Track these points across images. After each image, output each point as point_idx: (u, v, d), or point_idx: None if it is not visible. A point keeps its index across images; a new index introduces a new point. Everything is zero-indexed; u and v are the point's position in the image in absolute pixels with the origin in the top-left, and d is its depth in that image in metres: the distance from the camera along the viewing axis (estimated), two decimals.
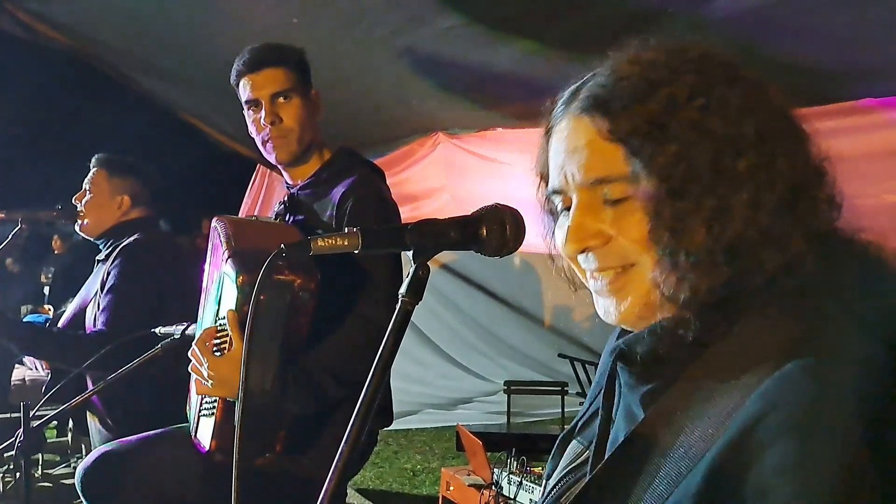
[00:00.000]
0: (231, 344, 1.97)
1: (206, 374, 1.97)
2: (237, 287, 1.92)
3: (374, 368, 0.95)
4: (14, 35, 3.79)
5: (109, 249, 3.02)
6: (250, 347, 1.09)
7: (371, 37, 3.12)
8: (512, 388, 5.82)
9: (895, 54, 2.40)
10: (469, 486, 4.16)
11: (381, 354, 0.96)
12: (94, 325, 2.85)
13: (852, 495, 0.71)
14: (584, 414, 1.10)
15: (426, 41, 3.08)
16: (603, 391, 1.01)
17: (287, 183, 2.42)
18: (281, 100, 2.23)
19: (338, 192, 2.21)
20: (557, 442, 1.12)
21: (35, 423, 2.11)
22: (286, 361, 1.95)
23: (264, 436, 2.02)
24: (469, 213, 1.02)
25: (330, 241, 0.95)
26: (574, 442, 1.09)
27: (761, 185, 0.84)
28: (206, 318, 2.25)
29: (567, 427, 1.13)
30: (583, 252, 0.93)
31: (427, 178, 4.50)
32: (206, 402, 2.12)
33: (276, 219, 2.39)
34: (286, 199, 2.38)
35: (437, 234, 0.99)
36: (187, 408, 2.37)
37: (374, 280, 2.13)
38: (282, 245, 0.96)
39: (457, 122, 4.17)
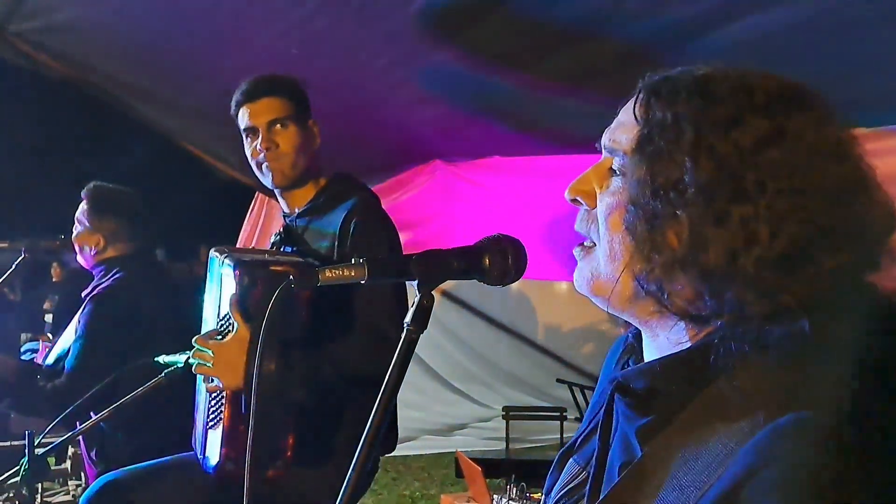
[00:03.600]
0: (234, 327, 2.01)
1: (211, 360, 2.00)
2: (235, 279, 2.04)
3: (381, 396, 0.98)
4: (15, 65, 3.83)
5: (89, 289, 3.04)
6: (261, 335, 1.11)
7: (371, 67, 3.17)
8: (510, 413, 5.82)
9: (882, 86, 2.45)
10: None
11: (386, 382, 0.98)
12: None
13: None
14: (584, 430, 1.12)
15: (426, 71, 3.13)
16: (601, 418, 1.03)
17: (284, 212, 2.47)
18: (278, 127, 2.31)
19: (338, 215, 2.27)
20: (558, 456, 1.14)
21: (40, 451, 2.12)
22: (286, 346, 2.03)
23: (274, 440, 2.04)
24: (472, 244, 1.05)
25: (337, 272, 0.98)
26: (572, 460, 1.10)
27: (753, 236, 0.81)
28: (208, 323, 2.31)
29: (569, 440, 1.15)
30: (574, 201, 0.99)
31: (424, 204, 4.53)
32: (213, 412, 2.14)
33: (272, 247, 2.46)
34: (282, 229, 2.44)
35: (441, 264, 1.02)
36: (192, 438, 2.37)
37: (380, 292, 2.17)
38: (290, 276, 0.99)
39: (455, 150, 4.21)
